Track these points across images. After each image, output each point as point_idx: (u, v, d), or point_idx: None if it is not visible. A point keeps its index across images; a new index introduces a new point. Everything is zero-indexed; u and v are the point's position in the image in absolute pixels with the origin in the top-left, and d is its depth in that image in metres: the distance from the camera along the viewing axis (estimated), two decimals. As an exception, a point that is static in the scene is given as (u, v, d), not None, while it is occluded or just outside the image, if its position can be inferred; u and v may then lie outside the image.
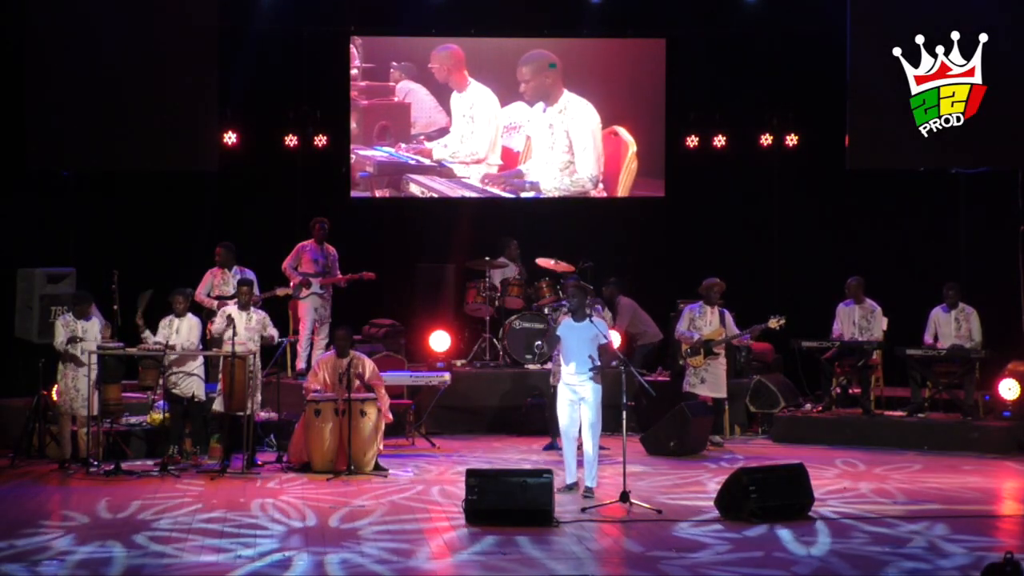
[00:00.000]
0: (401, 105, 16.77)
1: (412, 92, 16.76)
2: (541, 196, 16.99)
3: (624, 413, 11.02)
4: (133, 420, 13.60)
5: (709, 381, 13.94)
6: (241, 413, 12.40)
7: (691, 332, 13.96)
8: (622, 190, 17.05)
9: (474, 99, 16.83)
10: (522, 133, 16.93)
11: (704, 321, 13.96)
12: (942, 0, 15.01)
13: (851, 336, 14.46)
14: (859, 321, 14.47)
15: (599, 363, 11.15)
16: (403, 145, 16.77)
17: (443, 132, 16.79)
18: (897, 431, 14.15)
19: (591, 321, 11.33)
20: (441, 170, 16.83)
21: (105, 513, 10.63)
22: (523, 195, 16.95)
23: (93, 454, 12.46)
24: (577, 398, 11.28)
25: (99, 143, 14.58)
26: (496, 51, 16.96)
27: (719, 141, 17.16)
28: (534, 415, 14.58)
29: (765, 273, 17.25)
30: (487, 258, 15.82)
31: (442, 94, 16.80)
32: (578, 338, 11.26)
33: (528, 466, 12.42)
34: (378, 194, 16.80)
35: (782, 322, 13.78)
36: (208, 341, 13.13)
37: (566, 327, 11.38)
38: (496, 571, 8.88)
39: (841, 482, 11.98)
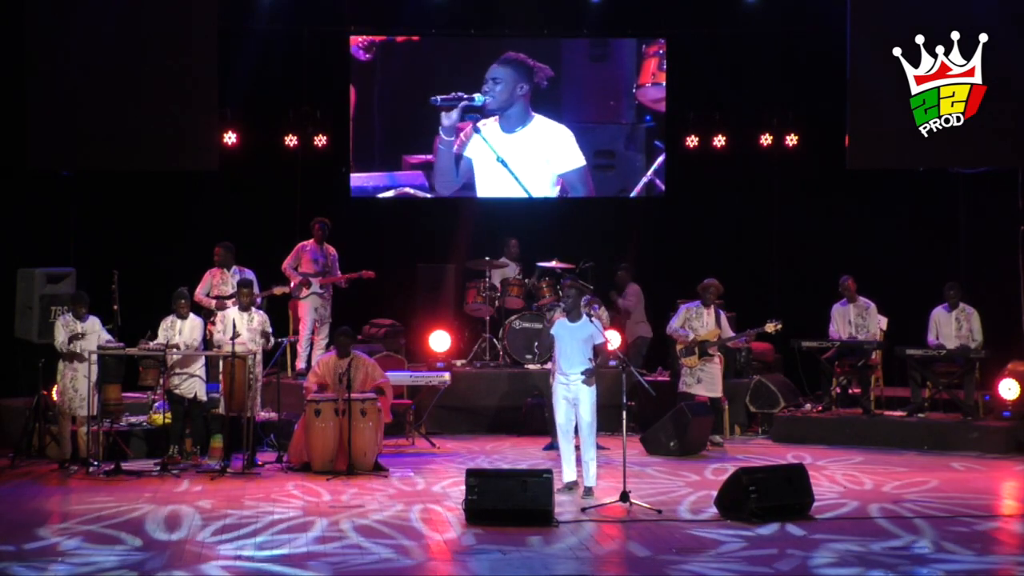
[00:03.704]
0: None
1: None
2: (541, 196, 17.01)
3: (624, 413, 11.02)
4: (133, 420, 13.61)
5: (705, 381, 13.94)
6: (241, 413, 12.41)
7: (685, 331, 13.96)
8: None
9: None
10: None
11: (700, 322, 13.96)
12: (942, 0, 15.01)
13: (849, 335, 14.47)
14: (855, 319, 14.50)
15: (595, 364, 11.17)
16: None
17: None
18: (897, 431, 14.15)
19: (590, 321, 11.33)
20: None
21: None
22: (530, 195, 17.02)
23: (93, 454, 12.47)
24: (572, 397, 11.29)
25: (99, 143, 14.57)
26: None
27: (719, 141, 17.16)
28: (534, 415, 14.59)
29: (765, 273, 17.26)
30: (487, 258, 15.83)
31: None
32: (572, 338, 11.26)
33: (528, 466, 12.43)
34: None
35: (779, 327, 13.75)
36: (208, 342, 13.13)
37: (561, 327, 11.38)
38: (496, 571, 8.88)
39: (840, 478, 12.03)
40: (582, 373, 11.17)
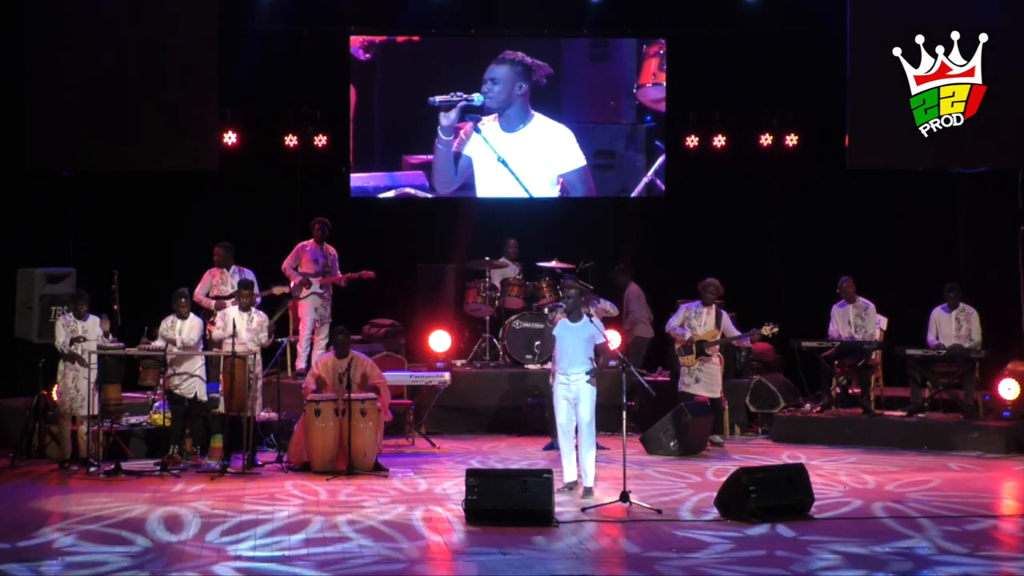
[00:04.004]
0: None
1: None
2: (541, 196, 17.01)
3: (624, 413, 11.02)
4: (133, 420, 13.61)
5: (704, 381, 13.94)
6: (241, 413, 12.42)
7: (683, 330, 13.96)
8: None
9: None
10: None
11: (699, 321, 13.96)
12: (942, 0, 15.01)
13: (848, 335, 14.47)
14: (854, 320, 14.50)
15: (596, 365, 11.17)
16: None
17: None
18: (897, 431, 14.15)
19: (590, 321, 11.33)
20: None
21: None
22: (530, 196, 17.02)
23: (93, 454, 12.46)
24: (572, 397, 11.28)
25: (99, 143, 14.57)
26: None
27: (719, 141, 17.15)
28: (534, 415, 14.59)
29: (765, 273, 17.26)
30: (487, 258, 15.84)
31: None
32: (573, 338, 11.26)
33: (528, 466, 12.43)
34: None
35: (775, 330, 13.73)
36: (208, 342, 13.13)
37: (562, 327, 11.39)
38: (496, 571, 8.88)
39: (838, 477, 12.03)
40: (587, 373, 11.17)
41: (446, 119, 16.74)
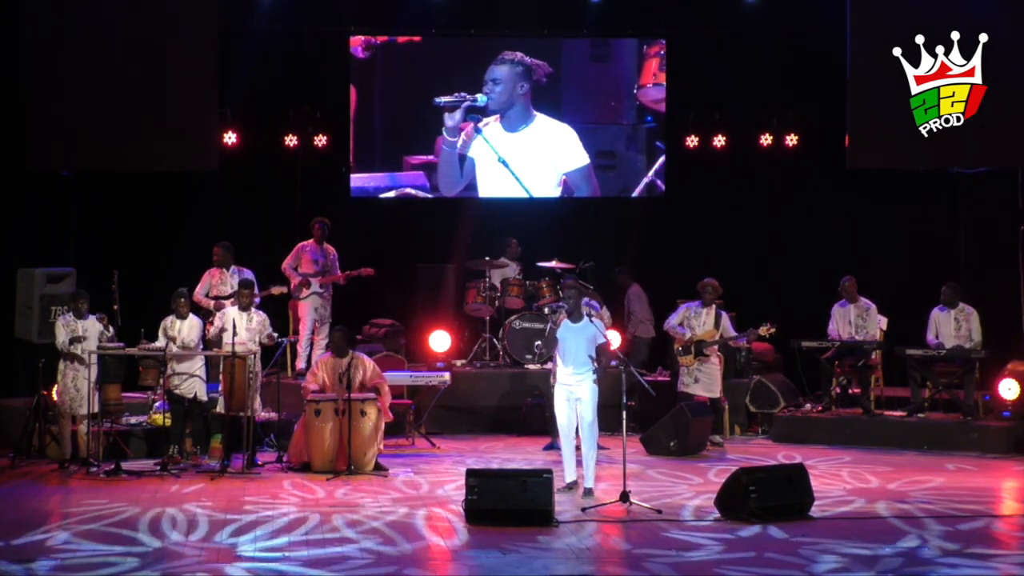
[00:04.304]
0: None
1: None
2: (541, 196, 17.01)
3: (624, 413, 11.02)
4: (133, 420, 13.61)
5: (703, 381, 13.94)
6: (241, 413, 12.42)
7: (683, 329, 13.96)
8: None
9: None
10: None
11: (699, 321, 13.96)
12: (942, 0, 15.01)
13: (849, 335, 14.47)
14: (855, 320, 14.50)
15: (598, 364, 11.17)
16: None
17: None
18: (897, 431, 14.15)
19: (590, 321, 11.33)
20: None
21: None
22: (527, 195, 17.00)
23: (93, 454, 12.46)
24: (574, 398, 11.28)
25: (99, 143, 14.56)
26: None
27: (719, 141, 17.16)
28: (534, 415, 14.59)
29: (765, 273, 17.27)
30: (487, 258, 15.84)
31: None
32: (575, 338, 11.26)
33: (528, 466, 12.43)
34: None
35: (772, 330, 13.72)
36: (208, 342, 13.14)
37: (564, 328, 11.38)
38: (496, 571, 8.88)
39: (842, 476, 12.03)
40: (592, 372, 11.16)
41: (450, 120, 16.73)
